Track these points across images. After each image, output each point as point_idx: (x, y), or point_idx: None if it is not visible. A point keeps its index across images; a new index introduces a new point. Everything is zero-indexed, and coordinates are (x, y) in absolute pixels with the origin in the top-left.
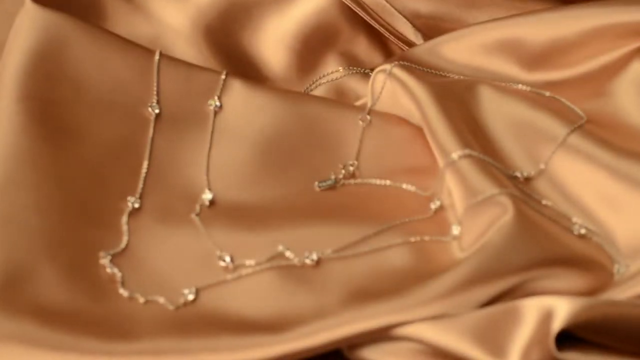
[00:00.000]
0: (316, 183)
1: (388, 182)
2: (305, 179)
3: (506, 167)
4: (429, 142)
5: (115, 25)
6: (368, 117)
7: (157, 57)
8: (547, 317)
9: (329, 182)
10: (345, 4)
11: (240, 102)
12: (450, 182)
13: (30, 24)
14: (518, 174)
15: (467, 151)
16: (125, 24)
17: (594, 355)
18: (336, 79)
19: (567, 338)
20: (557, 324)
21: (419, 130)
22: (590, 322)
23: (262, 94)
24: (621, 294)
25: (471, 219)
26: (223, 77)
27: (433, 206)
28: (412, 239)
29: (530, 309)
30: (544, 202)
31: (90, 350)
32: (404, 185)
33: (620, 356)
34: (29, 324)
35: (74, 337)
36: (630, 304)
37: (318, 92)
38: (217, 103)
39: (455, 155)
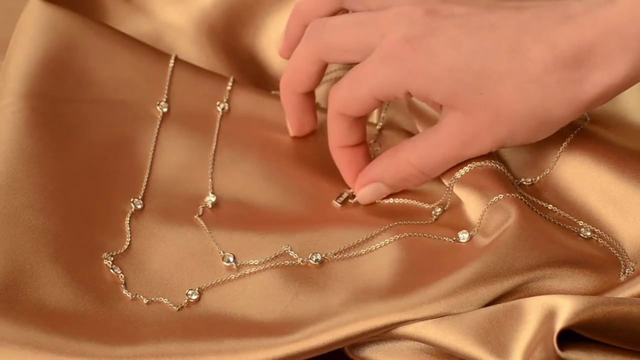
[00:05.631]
0: (334, 201)
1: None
2: (311, 184)
3: (510, 171)
4: None
5: (116, 25)
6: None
7: (172, 62)
8: (550, 315)
9: (345, 197)
10: None
11: (247, 106)
12: (455, 188)
13: (35, 21)
14: (522, 179)
15: None
16: (126, 23)
17: (597, 354)
18: (338, 77)
19: (570, 337)
20: (559, 323)
21: None
22: (593, 320)
23: (270, 100)
24: (625, 292)
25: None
26: (230, 82)
27: (437, 210)
28: (416, 239)
29: (533, 307)
30: (549, 207)
31: (93, 353)
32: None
33: (623, 355)
34: (31, 327)
35: (77, 340)
36: (634, 302)
37: (320, 91)
38: (225, 106)
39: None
